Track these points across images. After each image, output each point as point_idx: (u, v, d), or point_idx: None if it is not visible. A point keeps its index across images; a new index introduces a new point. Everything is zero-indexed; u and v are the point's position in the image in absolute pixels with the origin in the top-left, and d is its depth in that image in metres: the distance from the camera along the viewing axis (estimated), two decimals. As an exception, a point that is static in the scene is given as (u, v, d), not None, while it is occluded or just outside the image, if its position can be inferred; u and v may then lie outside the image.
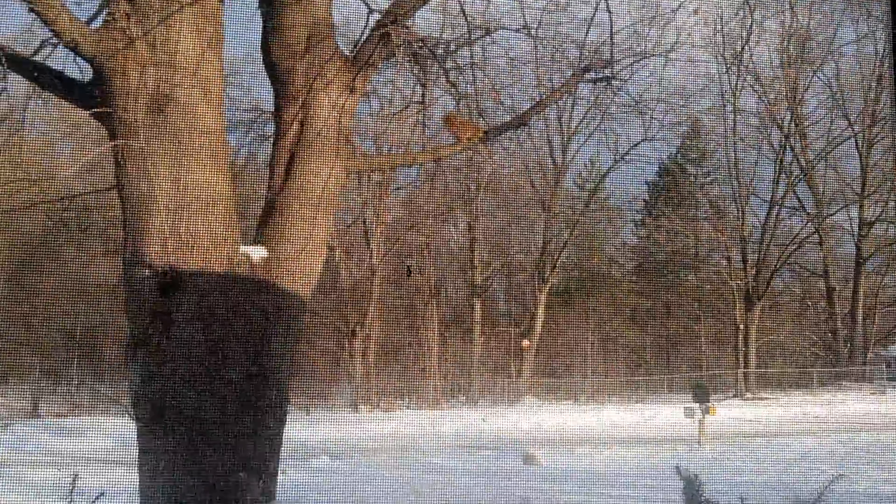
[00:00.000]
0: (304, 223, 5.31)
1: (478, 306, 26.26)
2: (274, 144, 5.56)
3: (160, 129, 4.77)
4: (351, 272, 25.10)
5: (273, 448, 5.06)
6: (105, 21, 4.79)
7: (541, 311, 25.74)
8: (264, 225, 5.35)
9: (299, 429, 16.80)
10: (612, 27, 7.47)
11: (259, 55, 5.66)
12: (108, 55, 4.69)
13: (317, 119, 5.33)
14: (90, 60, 4.78)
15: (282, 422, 5.15)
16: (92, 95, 4.88)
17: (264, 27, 5.45)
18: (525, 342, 25.53)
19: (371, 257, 24.68)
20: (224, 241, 4.96)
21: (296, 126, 5.37)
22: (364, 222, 24.54)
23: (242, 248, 5.10)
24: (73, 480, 5.36)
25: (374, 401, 23.76)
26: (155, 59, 4.75)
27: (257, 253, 5.17)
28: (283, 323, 5.09)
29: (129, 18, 4.69)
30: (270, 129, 6.67)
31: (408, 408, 23.12)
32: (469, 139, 5.92)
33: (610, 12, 7.55)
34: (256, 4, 5.58)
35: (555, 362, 26.29)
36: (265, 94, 5.95)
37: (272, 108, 5.82)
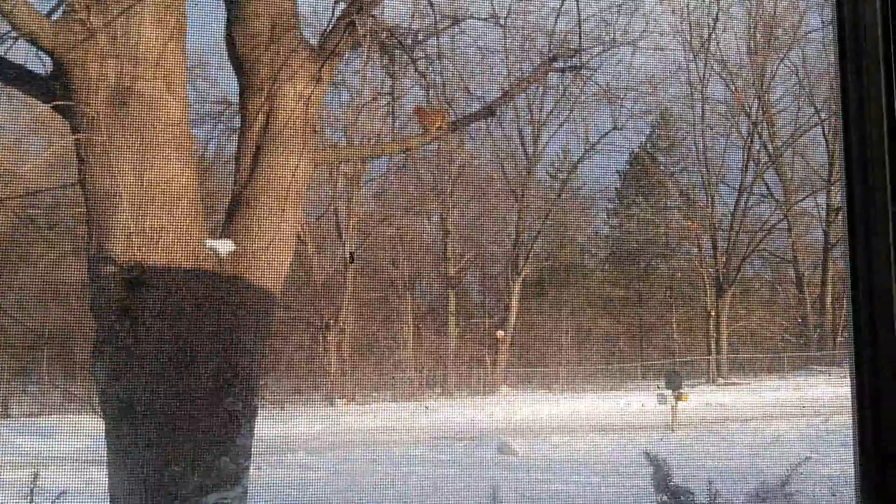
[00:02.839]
0: (271, 216, 5.26)
1: (452, 298, 26.29)
2: (240, 137, 5.49)
3: (122, 122, 4.69)
4: (323, 266, 24.99)
5: (245, 444, 5.02)
6: (64, 12, 4.69)
7: (515, 301, 25.81)
8: (231, 219, 5.29)
9: (274, 425, 16.72)
10: (579, 15, 7.49)
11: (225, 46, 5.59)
12: (67, 47, 4.59)
13: (283, 110, 5.27)
14: (50, 53, 4.69)
15: (253, 417, 5.10)
16: (53, 89, 4.78)
17: (228, 17, 5.37)
18: (499, 333, 25.59)
19: (344, 250, 24.58)
20: (190, 235, 4.90)
21: (261, 118, 5.31)
22: (336, 215, 24.43)
23: (209, 243, 5.04)
24: (34, 479, 5.31)
25: (350, 395, 23.72)
26: (116, 51, 4.66)
27: (224, 247, 5.11)
28: (252, 318, 5.03)
29: (88, 10, 4.60)
30: (238, 121, 6.59)
31: (383, 401, 23.10)
32: (440, 127, 5.90)
33: (577, 0, 7.56)
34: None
35: (529, 352, 26.40)
36: (232, 87, 5.88)
37: (238, 101, 5.75)
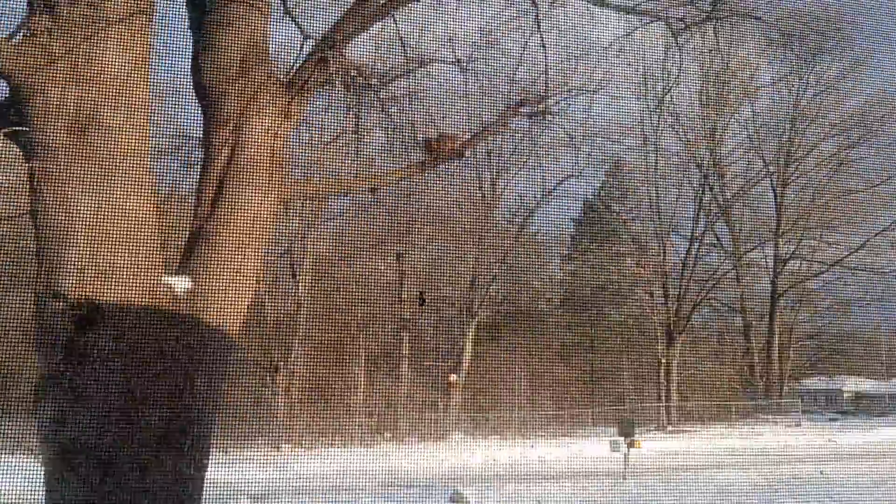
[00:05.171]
0: (232, 253, 5.06)
1: (405, 341, 25.98)
2: (202, 170, 5.30)
3: (81, 151, 4.47)
4: (275, 305, 24.53)
5: (194, 493, 4.74)
6: (24, 36, 4.48)
7: (469, 345, 25.64)
8: (190, 255, 5.07)
9: (218, 470, 16.13)
10: (545, 62, 7.55)
11: (186, 78, 5.43)
12: (26, 72, 4.38)
13: (249, 144, 5.11)
14: (7, 77, 4.47)
15: (204, 465, 4.84)
16: (7, 115, 4.55)
17: (195, 48, 5.22)
18: (452, 377, 25.33)
19: (297, 291, 24.18)
20: (146, 271, 4.67)
21: (226, 151, 5.13)
22: (290, 253, 24.06)
23: (165, 280, 4.81)
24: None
25: (298, 439, 23.13)
26: (77, 78, 4.47)
27: (182, 284, 4.89)
28: (208, 360, 4.80)
29: (50, 34, 4.40)
30: (195, 155, 6.40)
31: (333, 446, 22.57)
32: (452, 151, 5.88)
33: (544, 47, 7.62)
34: (186, 24, 5.35)
35: (483, 397, 26.16)
36: (191, 119, 5.70)
37: (198, 133, 5.59)
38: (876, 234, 26.10)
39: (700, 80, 26.81)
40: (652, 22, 8.76)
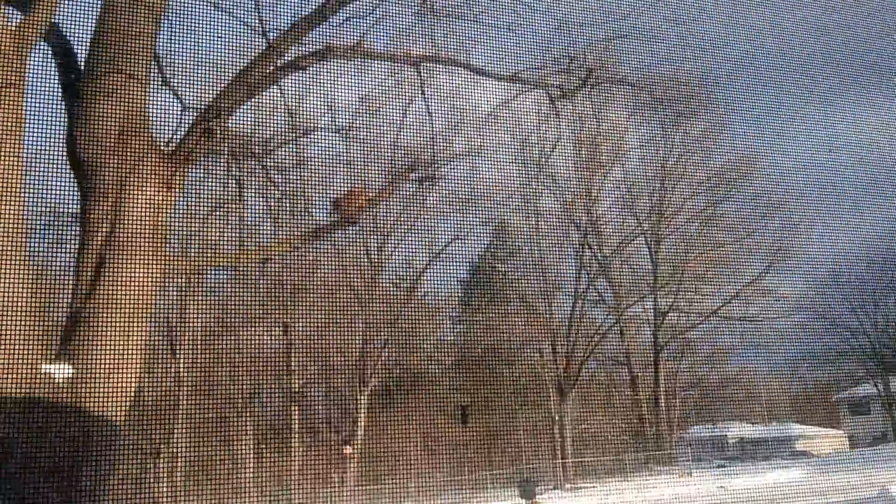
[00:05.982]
0: (116, 334, 4.75)
1: (296, 414, 25.20)
2: (80, 247, 4.99)
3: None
4: (154, 384, 23.32)
5: None
6: None
7: (362, 414, 25.12)
8: (69, 339, 4.73)
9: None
10: (433, 129, 7.65)
11: (59, 151, 5.14)
12: None
13: (130, 218, 4.85)
14: None
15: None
16: None
17: (70, 120, 4.96)
18: (347, 448, 24.69)
19: (178, 368, 23.10)
20: (22, 359, 4.31)
21: (106, 226, 4.86)
22: (168, 328, 23.03)
23: (44, 367, 4.45)
24: None
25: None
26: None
27: (61, 371, 4.53)
28: (94, 451, 4.43)
29: None
30: (71, 231, 6.06)
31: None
32: (362, 207, 5.81)
33: (431, 115, 7.72)
34: (60, 96, 5.09)
35: (379, 467, 25.57)
36: (65, 193, 5.37)
37: (74, 208, 5.29)
38: (746, 285, 27.49)
39: (576, 144, 27.84)
40: (531, 89, 9.03)
